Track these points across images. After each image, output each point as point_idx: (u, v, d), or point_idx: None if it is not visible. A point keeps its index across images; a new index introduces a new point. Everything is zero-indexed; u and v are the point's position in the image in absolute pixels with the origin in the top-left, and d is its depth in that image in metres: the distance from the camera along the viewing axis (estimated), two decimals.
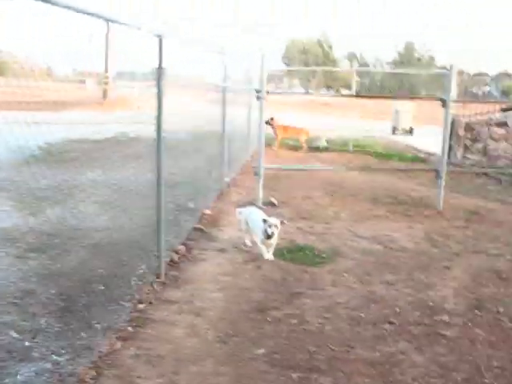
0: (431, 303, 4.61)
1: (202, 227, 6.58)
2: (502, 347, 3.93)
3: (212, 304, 4.47)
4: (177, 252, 5.59)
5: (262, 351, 3.72)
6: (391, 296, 4.74)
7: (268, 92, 7.59)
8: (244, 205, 6.70)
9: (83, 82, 13.37)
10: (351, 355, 3.70)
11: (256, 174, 7.68)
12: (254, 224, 5.71)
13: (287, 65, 77.45)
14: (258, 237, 5.58)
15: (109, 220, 6.30)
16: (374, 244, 6.23)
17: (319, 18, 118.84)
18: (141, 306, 4.32)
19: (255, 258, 5.58)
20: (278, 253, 5.76)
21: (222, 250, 5.81)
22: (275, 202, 7.80)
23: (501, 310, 4.53)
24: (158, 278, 4.89)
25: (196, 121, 7.43)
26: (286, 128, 15.03)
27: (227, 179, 9.13)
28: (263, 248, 5.55)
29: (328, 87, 74.27)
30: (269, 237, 5.46)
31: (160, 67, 4.60)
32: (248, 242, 5.88)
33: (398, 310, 4.45)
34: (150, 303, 4.38)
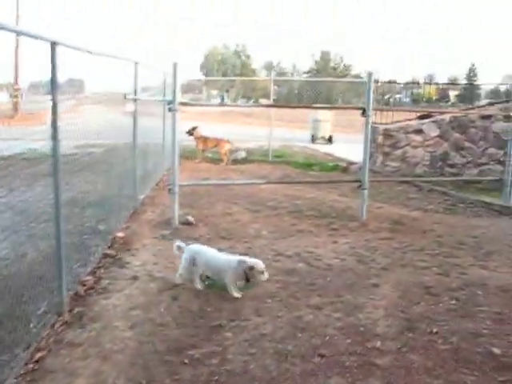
0: (362, 328, 4.27)
1: (114, 252, 6.02)
2: (438, 373, 3.64)
3: (122, 345, 3.94)
4: (83, 284, 5.01)
5: None
6: (320, 322, 4.37)
7: (181, 103, 7.10)
8: (186, 240, 5.78)
9: None
10: None
11: (170, 191, 7.17)
12: (214, 263, 5.05)
13: (205, 75, 77.37)
14: (228, 278, 4.88)
15: (8, 248, 5.60)
16: (299, 262, 5.87)
17: (237, 27, 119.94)
18: (39, 355, 3.74)
19: (171, 286, 5.09)
20: None
21: (134, 278, 5.27)
22: (192, 220, 7.31)
23: (434, 329, 4.26)
24: (60, 316, 4.32)
25: (104, 135, 6.89)
26: (206, 139, 14.49)
27: (141, 197, 8.57)
28: (234, 289, 4.88)
29: (247, 97, 74.67)
30: (248, 281, 4.90)
31: (53, 77, 4.07)
32: (198, 285, 5.06)
33: (327, 338, 4.09)
34: (50, 350, 3.81)
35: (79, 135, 5.65)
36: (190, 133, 14.37)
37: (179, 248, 5.27)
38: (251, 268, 4.84)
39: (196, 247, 5.29)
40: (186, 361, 3.73)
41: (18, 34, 4.30)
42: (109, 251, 6.03)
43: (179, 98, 7.17)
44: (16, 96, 20.72)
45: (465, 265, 6.00)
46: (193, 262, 5.08)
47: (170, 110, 7.05)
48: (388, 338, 4.13)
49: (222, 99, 38.32)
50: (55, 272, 4.42)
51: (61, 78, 4.26)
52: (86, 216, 6.54)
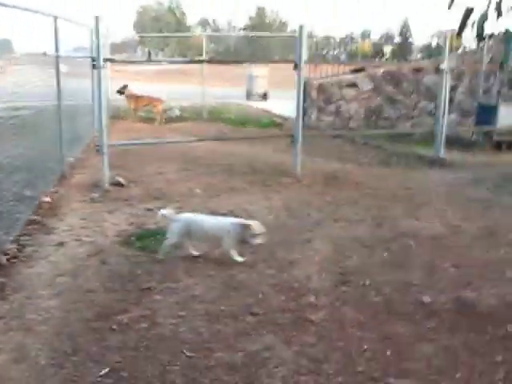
0: (296, 284, 4.23)
1: (39, 218, 5.73)
2: (370, 326, 3.63)
3: (47, 315, 3.73)
4: (5, 253, 4.73)
5: (106, 371, 3.10)
6: (253, 280, 4.30)
7: (105, 59, 6.75)
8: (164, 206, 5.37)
9: None
10: (211, 361, 3.18)
11: (99, 151, 6.87)
12: (208, 229, 4.66)
13: (139, 33, 75.08)
14: (226, 242, 4.59)
15: None
16: None
17: None
18: None
19: (99, 250, 4.89)
20: (126, 241, 5.12)
21: (60, 244, 5.03)
22: (123, 181, 7.07)
23: (367, 282, 4.27)
24: None
25: (30, 97, 6.52)
26: (138, 98, 14.04)
27: (70, 159, 8.21)
28: (235, 252, 4.58)
29: (183, 55, 73.03)
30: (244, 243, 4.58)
31: None
32: (194, 251, 4.76)
33: (260, 296, 4.02)
34: None
35: (5, 97, 5.34)
36: (121, 92, 13.94)
37: (164, 217, 4.80)
38: (246, 228, 4.52)
39: (190, 216, 4.84)
40: (115, 327, 3.58)
41: None
42: (34, 217, 5.73)
43: (105, 54, 6.81)
44: None
45: (397, 216, 6.06)
46: (187, 231, 4.66)
47: (93, 67, 6.70)
48: (321, 292, 4.10)
49: (149, 55, 37.14)
50: None
51: None
52: (11, 181, 6.20)
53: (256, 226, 4.56)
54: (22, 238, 5.16)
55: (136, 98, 13.99)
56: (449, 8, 3.66)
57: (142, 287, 4.15)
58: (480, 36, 4.15)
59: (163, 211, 4.85)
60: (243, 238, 4.53)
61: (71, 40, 9.14)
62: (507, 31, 6.05)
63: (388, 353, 3.29)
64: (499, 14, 3.74)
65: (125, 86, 13.95)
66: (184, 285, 4.20)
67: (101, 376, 3.05)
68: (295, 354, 3.26)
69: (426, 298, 3.97)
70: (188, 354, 3.25)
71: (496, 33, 11.25)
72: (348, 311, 3.82)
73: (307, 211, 6.16)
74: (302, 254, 4.85)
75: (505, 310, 3.84)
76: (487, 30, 4.48)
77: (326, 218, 5.94)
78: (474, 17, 3.87)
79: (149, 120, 14.02)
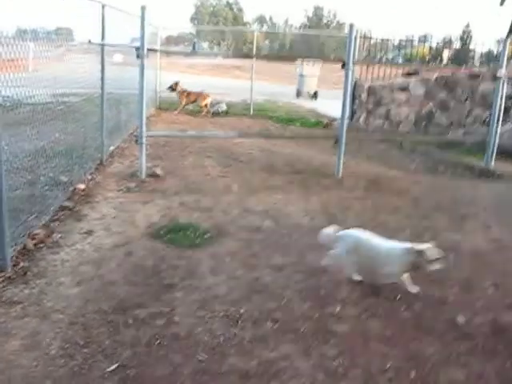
0: (323, 291, 4.04)
1: (72, 204, 5.70)
2: (397, 342, 3.42)
3: (65, 303, 3.68)
4: (33, 237, 4.70)
5: (114, 366, 3.00)
6: (278, 284, 4.13)
7: (149, 49, 6.70)
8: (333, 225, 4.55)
9: None
10: (223, 366, 3.04)
11: (137, 142, 6.82)
12: (376, 252, 4.12)
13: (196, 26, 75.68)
14: (392, 270, 4.02)
15: None
16: (266, 220, 5.60)
17: None
18: None
19: (128, 241, 4.81)
20: (156, 233, 5.03)
21: (89, 233, 4.98)
22: (160, 172, 7.00)
23: (398, 296, 4.03)
24: (1, 271, 4.03)
25: (78, 84, 6.56)
26: (188, 93, 14.14)
27: (111, 148, 8.20)
28: (407, 280, 4.08)
29: (239, 50, 73.22)
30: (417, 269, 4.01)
31: None
32: (356, 276, 4.23)
33: (284, 301, 3.85)
34: None
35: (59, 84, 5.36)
36: (172, 88, 14.06)
37: (328, 236, 4.32)
38: (420, 254, 3.94)
39: (355, 234, 4.28)
40: (130, 321, 3.48)
41: None
42: (67, 203, 5.71)
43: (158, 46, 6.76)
44: None
45: (439, 227, 5.78)
46: (353, 251, 4.16)
47: (137, 56, 6.65)
48: (349, 302, 3.90)
49: (194, 47, 37.07)
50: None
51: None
52: (49, 166, 6.21)
53: (431, 250, 3.97)
54: (52, 223, 5.14)
55: (187, 93, 14.09)
56: (501, 4, 3.39)
57: (164, 283, 4.05)
58: None
59: (326, 230, 4.37)
60: (417, 264, 3.98)
61: (130, 30, 9.17)
62: None
63: (412, 374, 3.07)
64: None
65: (176, 83, 14.04)
66: (207, 283, 4.07)
67: (108, 372, 2.95)
68: (312, 367, 3.08)
69: (461, 318, 3.72)
70: (201, 356, 3.12)
71: None
72: (374, 325, 3.61)
73: (345, 216, 5.94)
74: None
75: None
76: None
77: (364, 224, 5.66)
78: None
79: (194, 113, 14.00)
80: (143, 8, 6.58)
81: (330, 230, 4.33)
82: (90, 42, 6.80)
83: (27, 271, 4.11)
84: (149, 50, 6.70)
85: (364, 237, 4.21)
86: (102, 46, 7.13)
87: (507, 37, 5.76)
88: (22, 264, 4.22)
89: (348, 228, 4.39)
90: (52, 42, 6.07)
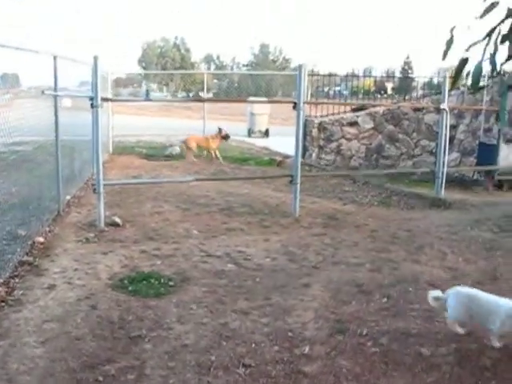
0: (290, 333, 4.08)
1: (31, 259, 5.61)
2: (367, 378, 3.49)
3: (31, 364, 3.59)
4: None
5: None
6: (246, 328, 4.15)
7: (103, 99, 6.73)
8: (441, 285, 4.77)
9: None
10: None
11: (95, 191, 6.79)
12: (485, 308, 3.94)
13: (145, 68, 76.02)
14: (493, 326, 3.85)
15: None
16: (228, 263, 5.64)
17: (175, 20, 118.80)
18: None
19: (90, 294, 4.75)
20: (119, 284, 4.99)
21: (51, 288, 4.90)
22: (119, 221, 6.96)
23: (364, 331, 4.12)
24: None
25: (31, 132, 6.49)
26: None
27: (68, 197, 8.12)
28: (496, 339, 3.89)
29: (187, 90, 73.69)
30: None
31: None
32: (460, 329, 4.07)
33: (253, 345, 3.87)
34: None
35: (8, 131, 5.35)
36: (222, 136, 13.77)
37: (437, 299, 4.17)
38: None
39: (466, 292, 4.13)
40: (101, 378, 3.43)
41: None
42: (26, 258, 5.62)
43: (107, 93, 6.80)
44: None
45: (397, 260, 5.93)
46: (467, 309, 4.01)
47: (92, 106, 6.68)
48: (317, 342, 3.95)
49: (147, 94, 37.26)
50: None
51: None
52: (6, 220, 6.11)
53: None
54: (12, 280, 5.03)
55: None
56: (443, 59, 3.61)
57: (132, 335, 4.01)
58: (475, 86, 4.07)
59: (433, 293, 4.23)
60: None
61: (77, 75, 9.16)
62: (502, 82, 5.96)
63: None
64: (494, 67, 3.66)
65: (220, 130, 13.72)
66: (175, 333, 4.06)
67: None
68: None
69: (425, 350, 3.82)
70: None
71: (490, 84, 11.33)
72: (344, 363, 3.67)
73: (305, 254, 6.04)
74: (299, 299, 4.71)
75: (510, 361, 3.68)
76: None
77: (325, 262, 5.81)
78: (469, 67, 3.79)
79: (148, 157, 13.98)
80: (96, 58, 6.63)
81: (436, 293, 4.22)
82: (43, 92, 6.76)
83: None
84: (103, 99, 6.71)
85: (474, 293, 4.10)
86: (55, 96, 7.11)
87: (453, 84, 6.08)
88: None
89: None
90: None
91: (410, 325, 4.25)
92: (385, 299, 4.78)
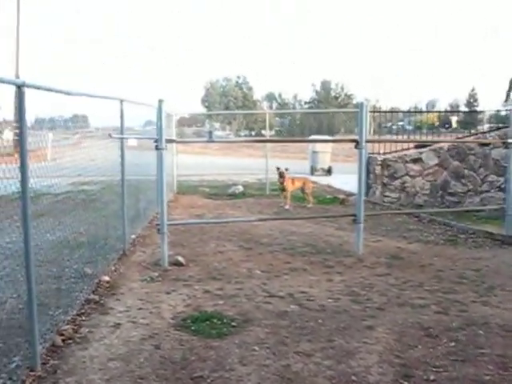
0: (354, 377, 3.99)
1: (97, 298, 5.76)
2: None
3: None
4: (61, 333, 4.74)
5: None
6: (308, 371, 4.09)
7: (167, 140, 6.92)
8: None
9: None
10: None
11: (159, 231, 6.94)
12: None
13: (208, 108, 77.94)
14: None
15: None
16: (290, 304, 5.60)
17: (237, 59, 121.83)
18: None
19: (155, 333, 4.82)
20: (182, 324, 5.04)
21: (116, 326, 5.00)
22: (182, 260, 7.07)
23: (431, 377, 3.98)
24: (32, 371, 4.05)
25: (96, 172, 6.75)
26: (293, 180, 13.24)
27: (132, 236, 8.33)
28: None
29: (249, 129, 74.96)
30: None
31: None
32: None
33: None
34: None
35: (75, 172, 5.61)
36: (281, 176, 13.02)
37: None
38: None
39: None
40: None
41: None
42: (92, 296, 5.77)
43: (172, 132, 7.00)
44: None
45: (466, 301, 5.73)
46: None
47: (156, 148, 6.88)
48: None
49: (210, 136, 38.07)
50: (28, 322, 4.18)
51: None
52: (74, 258, 6.31)
53: None
54: (78, 318, 5.18)
55: (292, 180, 13.20)
56: (505, 101, 3.52)
57: (194, 375, 4.03)
58: None
59: None
60: None
61: (143, 114, 9.48)
62: None
63: None
64: None
65: (286, 169, 13.18)
66: (237, 374, 4.04)
67: None
68: None
69: None
70: None
71: None
72: None
73: (369, 295, 5.93)
74: (362, 342, 4.61)
75: None
76: None
77: (389, 303, 5.68)
78: None
79: (211, 196, 14.20)
80: (160, 101, 6.86)
81: None
82: (110, 135, 7.03)
83: (57, 369, 4.12)
84: (167, 141, 6.91)
85: None
86: (122, 139, 7.38)
87: (506, 100, 5.94)
88: (51, 362, 4.23)
89: None
90: (68, 129, 6.33)
91: (482, 371, 4.07)
92: (453, 343, 4.61)
